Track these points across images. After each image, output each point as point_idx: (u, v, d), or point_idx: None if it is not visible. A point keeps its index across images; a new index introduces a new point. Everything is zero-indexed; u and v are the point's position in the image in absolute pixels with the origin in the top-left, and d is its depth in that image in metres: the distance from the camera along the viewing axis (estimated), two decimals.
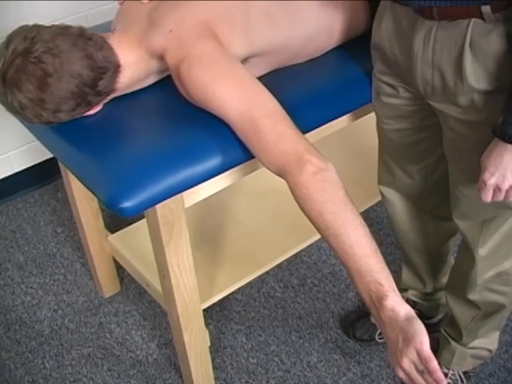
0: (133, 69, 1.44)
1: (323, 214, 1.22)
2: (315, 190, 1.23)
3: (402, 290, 2.01)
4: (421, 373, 1.11)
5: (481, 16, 1.13)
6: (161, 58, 1.43)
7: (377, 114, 1.57)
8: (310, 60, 1.62)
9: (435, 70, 1.25)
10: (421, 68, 1.28)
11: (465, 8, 1.14)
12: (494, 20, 1.13)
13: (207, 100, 1.35)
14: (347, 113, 1.62)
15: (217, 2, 1.43)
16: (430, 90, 1.30)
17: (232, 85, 1.34)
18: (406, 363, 1.11)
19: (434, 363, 1.08)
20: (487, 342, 1.79)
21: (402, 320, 1.13)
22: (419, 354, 1.09)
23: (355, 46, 1.65)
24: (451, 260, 1.91)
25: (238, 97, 1.32)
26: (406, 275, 1.95)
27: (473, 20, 1.15)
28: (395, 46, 1.34)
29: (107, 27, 1.61)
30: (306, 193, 1.23)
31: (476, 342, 1.78)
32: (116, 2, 1.57)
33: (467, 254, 1.55)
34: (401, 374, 1.14)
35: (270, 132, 1.29)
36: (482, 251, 1.52)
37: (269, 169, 1.32)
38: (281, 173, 1.29)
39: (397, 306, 1.15)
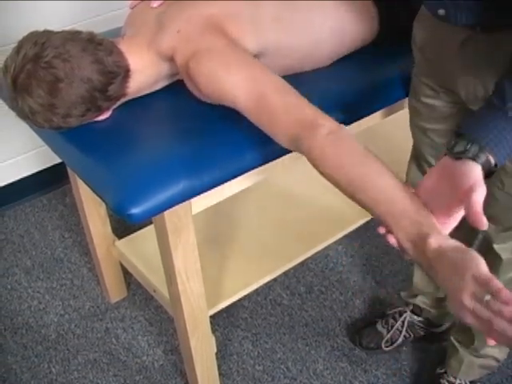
0: (143, 73, 1.45)
1: (343, 168, 1.17)
2: (331, 149, 1.19)
3: (411, 296, 2.01)
4: (485, 304, 0.94)
5: None
6: (170, 59, 1.44)
7: (413, 113, 1.56)
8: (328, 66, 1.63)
9: (477, 79, 1.25)
10: (462, 77, 1.28)
11: (507, 21, 1.13)
12: None
13: (216, 88, 1.35)
14: (369, 114, 1.63)
15: (224, 2, 1.45)
16: (472, 97, 1.29)
17: (239, 68, 1.34)
18: (467, 298, 0.94)
19: (495, 282, 0.92)
20: (497, 350, 1.78)
21: (452, 252, 1.01)
22: (477, 280, 0.94)
23: (372, 50, 1.65)
24: None
25: (245, 78, 1.32)
26: (419, 278, 1.94)
27: None
28: (437, 52, 1.34)
29: (117, 33, 1.62)
30: (321, 153, 1.19)
31: (487, 349, 1.77)
32: (126, 7, 1.58)
33: (490, 257, 1.53)
34: (467, 318, 0.95)
35: (279, 104, 1.28)
36: (505, 254, 1.52)
37: (284, 144, 1.30)
38: (295, 143, 1.26)
39: (443, 241, 1.04)
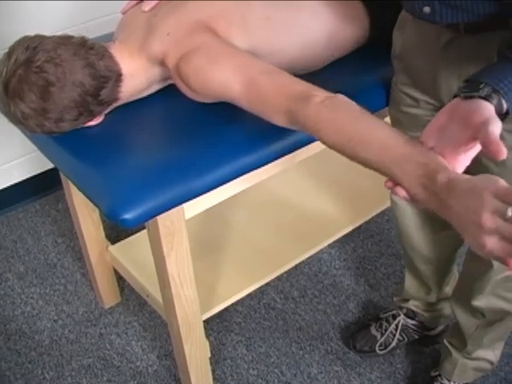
0: (135, 77, 1.45)
1: (341, 128, 1.15)
2: (326, 112, 1.18)
3: (404, 300, 2.01)
4: (509, 219, 0.88)
5: (508, 27, 1.12)
6: (162, 63, 1.44)
7: (394, 122, 1.56)
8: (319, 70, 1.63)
9: (462, 80, 1.25)
10: (446, 79, 1.28)
11: (492, 21, 1.13)
12: None
13: (208, 84, 1.36)
14: None
15: (214, 4, 1.45)
16: None
17: (227, 59, 1.35)
18: (488, 217, 0.89)
19: None
20: (491, 353, 1.79)
21: (464, 181, 0.96)
22: (497, 194, 0.89)
23: (359, 55, 1.66)
24: (455, 270, 1.91)
25: (234, 67, 1.33)
26: (410, 283, 1.95)
27: (499, 31, 1.14)
28: (419, 58, 1.34)
29: (108, 38, 1.62)
30: (317, 118, 1.18)
31: (480, 352, 1.78)
32: (118, 12, 1.58)
33: (482, 260, 1.53)
34: (488, 242, 0.89)
35: (270, 85, 1.29)
36: None
37: (281, 123, 1.29)
38: (291, 118, 1.25)
39: (452, 174, 0.99)
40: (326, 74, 1.61)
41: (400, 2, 1.27)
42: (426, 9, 1.17)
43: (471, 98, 1.03)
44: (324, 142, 1.19)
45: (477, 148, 1.02)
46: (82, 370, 2.04)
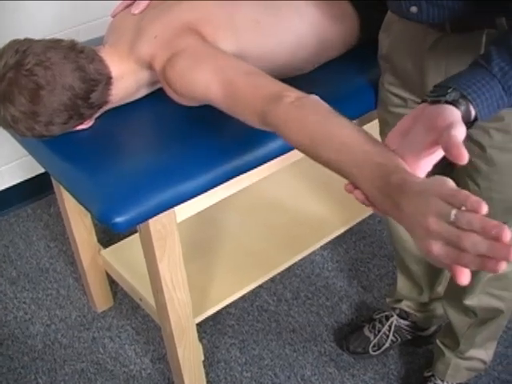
0: (124, 80, 1.45)
1: (305, 127, 1.12)
2: (295, 112, 1.15)
3: (396, 300, 2.02)
4: (454, 221, 0.82)
5: (494, 26, 1.12)
6: (150, 67, 1.44)
7: (382, 124, 1.57)
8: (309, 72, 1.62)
9: (448, 74, 1.25)
10: (434, 78, 1.28)
11: (478, 20, 1.13)
12: (507, 29, 1.11)
13: (193, 86, 1.35)
14: None
15: (199, 6, 1.46)
16: None
17: (208, 62, 1.34)
18: (433, 221, 0.84)
19: (462, 192, 0.83)
20: (483, 352, 1.79)
21: (417, 184, 0.91)
22: (442, 196, 0.85)
23: (350, 57, 1.66)
24: (446, 270, 1.91)
25: (213, 69, 1.32)
26: (402, 284, 1.95)
27: (486, 30, 1.15)
28: (405, 58, 1.34)
29: (99, 42, 1.61)
30: (286, 118, 1.15)
31: (472, 352, 1.78)
32: (108, 16, 1.58)
33: None
34: (434, 247, 0.84)
35: (246, 86, 1.27)
36: None
37: (255, 125, 1.27)
38: (264, 120, 1.22)
39: (407, 176, 0.95)
40: (317, 76, 1.61)
41: (386, 3, 1.27)
42: (413, 8, 1.18)
43: (438, 102, 1.00)
44: (291, 143, 1.16)
45: (439, 153, 0.99)
46: (75, 375, 2.04)
